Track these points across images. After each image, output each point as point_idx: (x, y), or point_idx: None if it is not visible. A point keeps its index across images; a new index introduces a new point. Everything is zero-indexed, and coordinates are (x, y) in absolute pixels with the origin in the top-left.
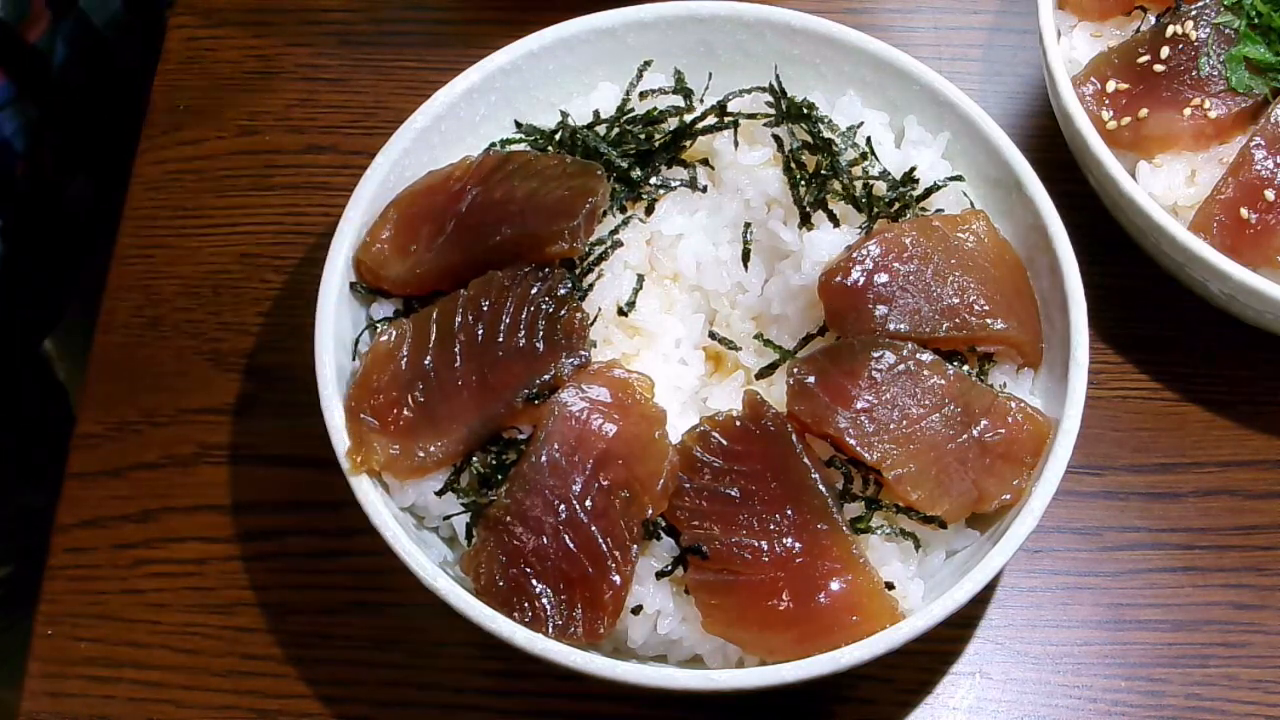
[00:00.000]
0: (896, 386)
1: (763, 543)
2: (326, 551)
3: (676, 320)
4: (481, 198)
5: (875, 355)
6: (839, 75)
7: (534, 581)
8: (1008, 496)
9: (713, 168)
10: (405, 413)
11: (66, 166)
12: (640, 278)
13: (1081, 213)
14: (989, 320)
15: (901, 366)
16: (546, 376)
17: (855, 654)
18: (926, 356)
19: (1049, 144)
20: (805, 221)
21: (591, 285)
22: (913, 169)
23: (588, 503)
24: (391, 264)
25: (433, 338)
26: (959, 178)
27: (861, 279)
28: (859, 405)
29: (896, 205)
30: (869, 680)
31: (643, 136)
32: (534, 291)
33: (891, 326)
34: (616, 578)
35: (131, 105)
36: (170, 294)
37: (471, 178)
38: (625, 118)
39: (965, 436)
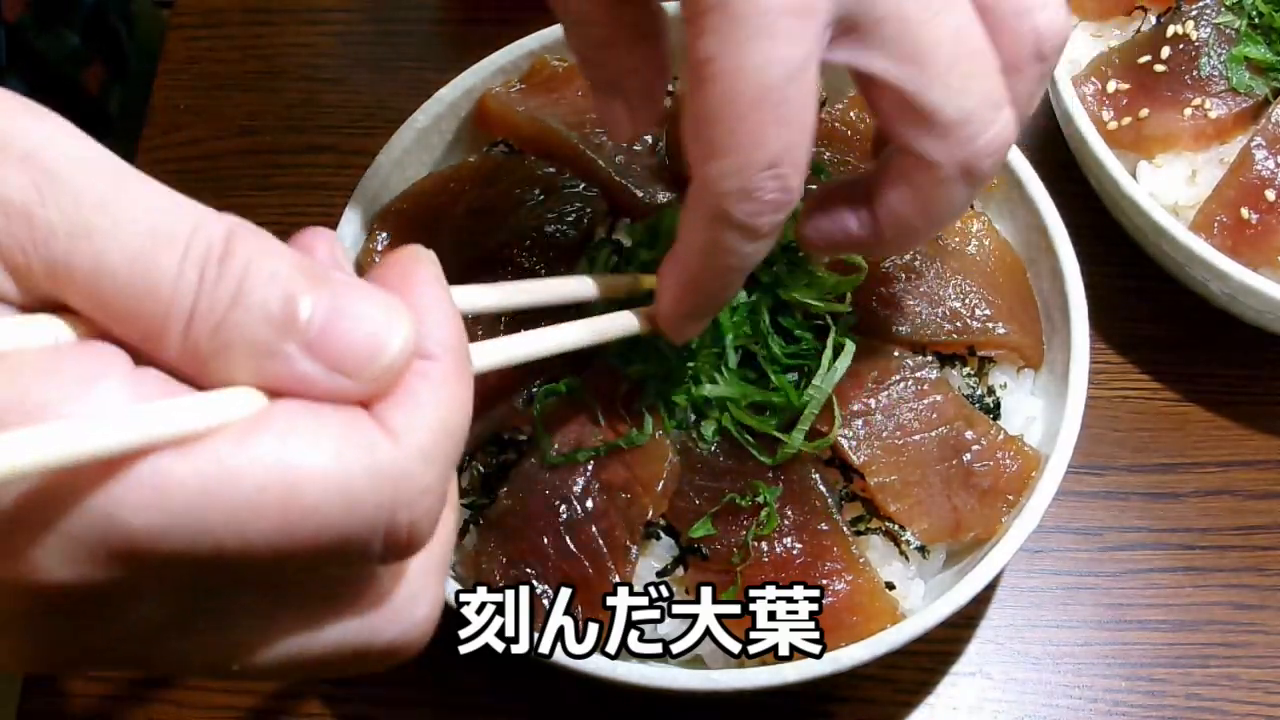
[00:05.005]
0: (897, 396)
1: (763, 543)
2: None
3: None
4: (479, 205)
5: (882, 360)
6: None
7: (534, 582)
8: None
9: None
10: None
11: None
12: None
13: (1081, 213)
14: (991, 325)
15: (906, 377)
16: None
17: (855, 654)
18: (933, 373)
19: (1049, 144)
20: None
21: None
22: None
23: (588, 503)
24: None
25: None
26: None
27: (862, 280)
28: (855, 407)
29: None
30: (869, 680)
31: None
32: None
33: (893, 329)
34: (616, 579)
35: (131, 106)
36: None
37: (470, 181)
38: None
39: (954, 462)
